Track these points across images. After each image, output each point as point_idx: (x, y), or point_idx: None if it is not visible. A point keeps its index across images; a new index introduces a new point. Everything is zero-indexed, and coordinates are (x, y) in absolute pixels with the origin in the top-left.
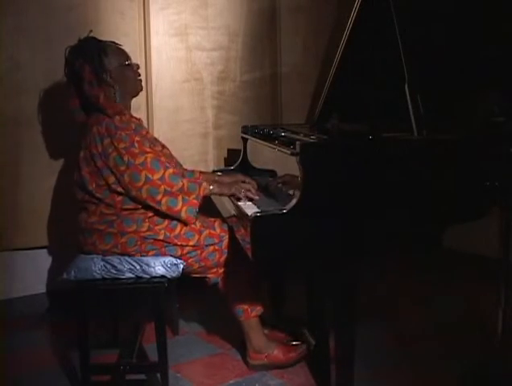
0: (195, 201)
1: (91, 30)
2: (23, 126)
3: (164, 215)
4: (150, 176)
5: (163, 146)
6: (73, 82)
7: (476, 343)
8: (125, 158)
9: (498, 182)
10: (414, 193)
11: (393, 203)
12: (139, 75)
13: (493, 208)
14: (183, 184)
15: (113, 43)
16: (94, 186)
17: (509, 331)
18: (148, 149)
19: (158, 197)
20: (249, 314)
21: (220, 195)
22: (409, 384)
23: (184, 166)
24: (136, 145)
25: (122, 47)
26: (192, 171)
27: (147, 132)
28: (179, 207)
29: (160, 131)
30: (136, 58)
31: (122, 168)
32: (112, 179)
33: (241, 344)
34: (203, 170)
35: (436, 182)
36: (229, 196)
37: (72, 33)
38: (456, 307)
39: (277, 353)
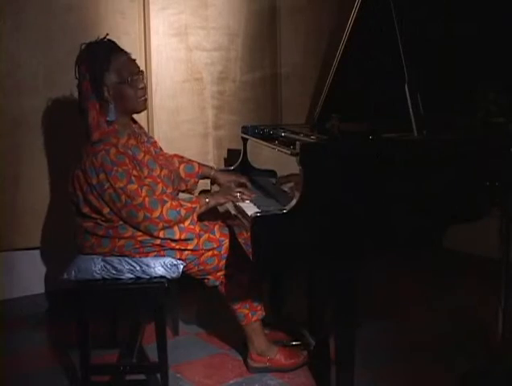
0: (191, 227)
1: (107, 34)
2: (23, 127)
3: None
4: (148, 215)
5: (162, 168)
6: (78, 85)
7: (476, 344)
8: (123, 198)
9: (498, 182)
10: (415, 193)
11: (393, 203)
12: (143, 95)
13: (493, 208)
14: (181, 216)
15: (125, 53)
16: (88, 210)
17: (509, 332)
18: (146, 182)
19: (156, 233)
20: (250, 318)
21: (218, 205)
22: (409, 385)
23: None
24: (134, 180)
25: (133, 58)
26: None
27: (146, 153)
28: (177, 236)
29: (160, 131)
30: (136, 58)
31: (119, 205)
32: (107, 210)
33: (241, 345)
34: None
35: (436, 182)
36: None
37: (72, 33)
38: (456, 307)
39: (279, 358)
